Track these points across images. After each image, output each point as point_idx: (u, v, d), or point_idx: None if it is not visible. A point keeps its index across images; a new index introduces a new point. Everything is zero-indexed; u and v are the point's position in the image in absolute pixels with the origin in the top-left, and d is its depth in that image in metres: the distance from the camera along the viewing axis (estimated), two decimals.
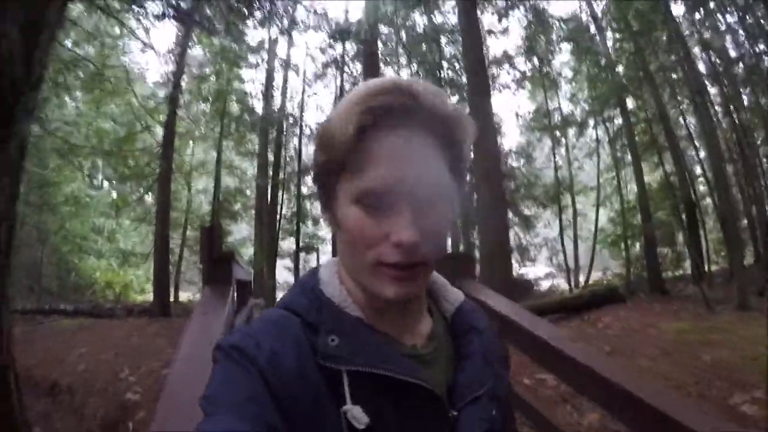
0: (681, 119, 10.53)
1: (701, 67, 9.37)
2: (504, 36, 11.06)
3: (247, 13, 7.85)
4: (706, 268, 9.12)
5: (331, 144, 0.40)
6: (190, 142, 11.67)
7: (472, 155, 0.46)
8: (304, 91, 11.58)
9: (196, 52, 10.40)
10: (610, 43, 10.51)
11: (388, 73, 11.34)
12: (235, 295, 2.16)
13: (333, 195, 0.43)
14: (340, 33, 9.23)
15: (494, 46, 11.67)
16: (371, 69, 9.32)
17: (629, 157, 10.16)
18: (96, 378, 3.71)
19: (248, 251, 11.44)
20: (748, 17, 8.36)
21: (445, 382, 0.46)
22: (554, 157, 12.06)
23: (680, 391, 3.29)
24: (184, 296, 11.68)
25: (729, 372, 3.53)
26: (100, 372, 3.85)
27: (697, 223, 9.57)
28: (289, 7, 9.11)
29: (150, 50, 8.46)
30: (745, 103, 9.66)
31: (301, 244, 11.16)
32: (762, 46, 8.91)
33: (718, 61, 9.37)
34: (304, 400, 0.39)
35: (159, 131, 9.13)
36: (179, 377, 0.95)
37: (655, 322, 5.55)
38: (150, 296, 8.82)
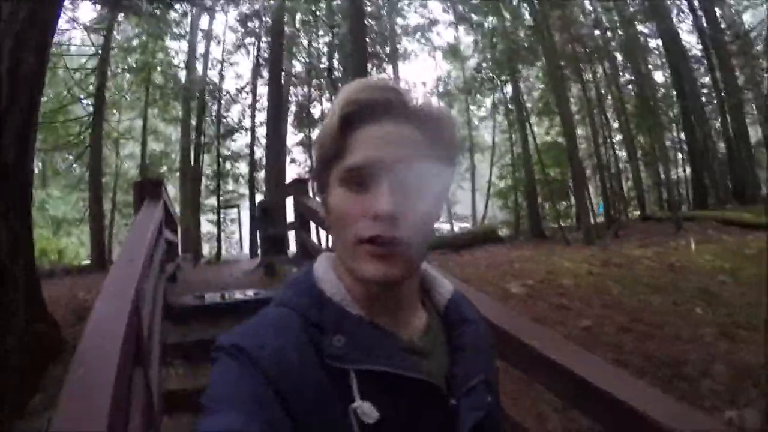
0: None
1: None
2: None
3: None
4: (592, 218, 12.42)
5: (323, 136, 0.50)
6: (114, 111, 14.12)
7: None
8: (223, 60, 14.33)
9: (123, 25, 12.82)
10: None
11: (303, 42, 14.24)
12: (164, 215, 3.31)
13: (326, 184, 0.51)
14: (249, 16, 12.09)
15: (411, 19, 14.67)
16: (278, 40, 12.15)
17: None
18: None
19: (176, 210, 14.16)
20: None
21: (442, 373, 0.52)
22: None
23: (481, 279, 4.84)
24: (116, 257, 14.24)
25: (525, 273, 5.07)
26: None
27: (583, 178, 12.87)
28: None
29: (78, 24, 10.83)
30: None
31: (221, 200, 14.06)
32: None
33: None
34: (309, 398, 0.44)
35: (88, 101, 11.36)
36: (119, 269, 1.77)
37: (511, 253, 7.66)
38: (85, 262, 10.54)
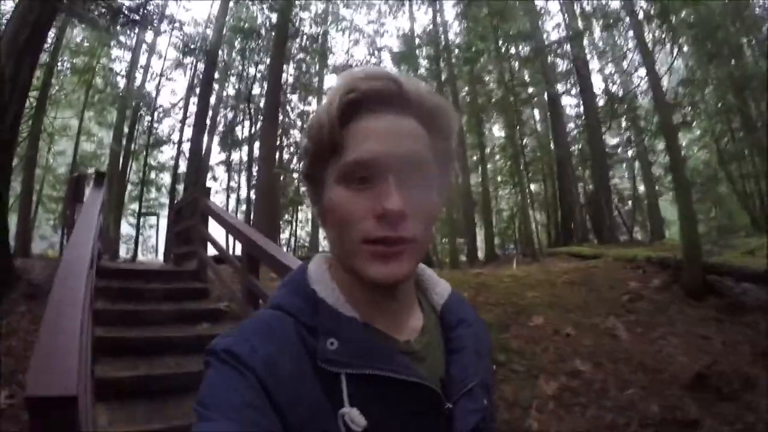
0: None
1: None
2: None
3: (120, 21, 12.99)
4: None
5: (319, 129, 0.50)
6: (52, 108, 16.60)
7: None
8: (162, 74, 17.25)
9: (74, 27, 15.40)
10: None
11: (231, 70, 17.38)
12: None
13: (321, 184, 0.53)
14: (188, 50, 15.22)
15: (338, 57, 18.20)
16: (212, 66, 15.23)
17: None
18: None
19: None
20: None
21: (439, 375, 0.55)
22: None
23: None
24: (37, 249, 16.39)
25: None
26: None
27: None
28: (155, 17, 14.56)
29: None
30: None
31: (143, 207, 16.68)
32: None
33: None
34: (302, 404, 0.46)
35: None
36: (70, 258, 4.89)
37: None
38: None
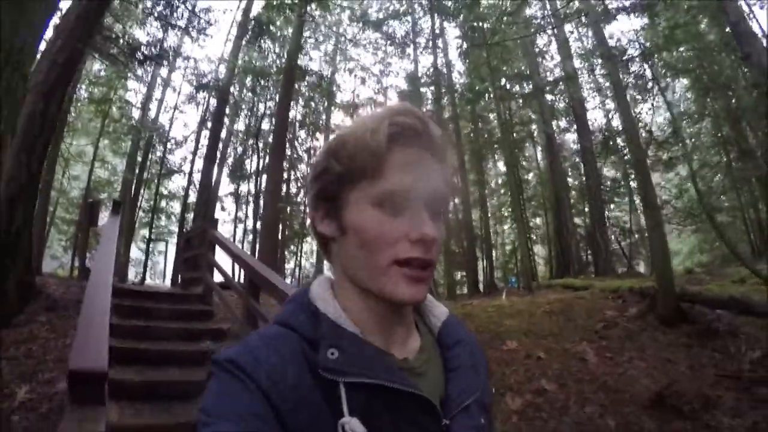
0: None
1: None
2: None
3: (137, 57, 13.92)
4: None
5: (355, 153, 0.55)
6: (70, 134, 17.40)
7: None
8: (176, 108, 18.14)
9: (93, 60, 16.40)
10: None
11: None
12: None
13: (343, 203, 0.57)
14: (201, 86, 16.15)
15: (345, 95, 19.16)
16: (223, 103, 16.08)
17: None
18: None
19: None
20: None
21: (437, 393, 0.58)
22: None
23: None
24: (47, 268, 16.89)
25: None
26: None
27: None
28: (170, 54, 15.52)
29: None
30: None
31: (153, 233, 17.25)
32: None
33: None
34: (304, 415, 0.49)
35: None
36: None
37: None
38: None
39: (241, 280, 5.31)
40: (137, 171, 17.16)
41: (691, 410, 4.01)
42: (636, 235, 17.54)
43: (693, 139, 15.61)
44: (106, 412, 1.57)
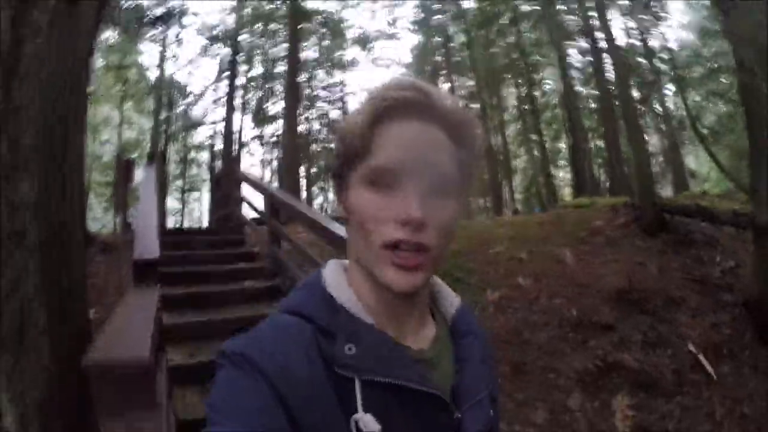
0: None
1: None
2: None
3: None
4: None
5: (348, 133, 0.54)
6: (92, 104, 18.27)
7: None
8: (191, 61, 18.57)
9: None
10: None
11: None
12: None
13: (347, 185, 0.56)
14: (212, 38, 16.43)
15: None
16: (235, 51, 16.42)
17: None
18: None
19: None
20: None
21: (449, 383, 0.57)
22: None
23: None
24: (91, 229, 18.49)
25: None
26: None
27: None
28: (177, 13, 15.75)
29: None
30: None
31: (186, 184, 18.38)
32: None
33: None
34: (315, 409, 0.48)
35: None
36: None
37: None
38: None
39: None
40: (164, 127, 18.05)
41: (652, 307, 4.55)
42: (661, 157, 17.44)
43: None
44: (158, 288, 2.31)
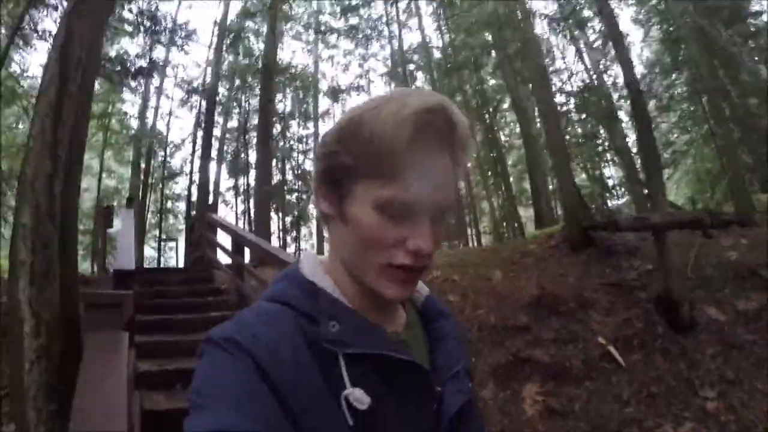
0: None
1: None
2: None
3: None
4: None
5: (369, 144, 0.52)
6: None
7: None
8: (170, 113, 19.62)
9: None
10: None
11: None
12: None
13: (347, 192, 0.55)
14: (190, 90, 17.61)
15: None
16: (212, 103, 17.50)
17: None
18: None
19: None
20: None
21: (425, 364, 0.60)
22: None
23: None
24: None
25: None
26: None
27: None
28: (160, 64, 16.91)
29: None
30: None
31: (163, 234, 18.97)
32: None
33: None
34: (303, 391, 0.49)
35: None
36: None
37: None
38: None
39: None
40: (142, 177, 18.75)
41: (566, 309, 5.26)
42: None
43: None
44: (132, 293, 3.01)
